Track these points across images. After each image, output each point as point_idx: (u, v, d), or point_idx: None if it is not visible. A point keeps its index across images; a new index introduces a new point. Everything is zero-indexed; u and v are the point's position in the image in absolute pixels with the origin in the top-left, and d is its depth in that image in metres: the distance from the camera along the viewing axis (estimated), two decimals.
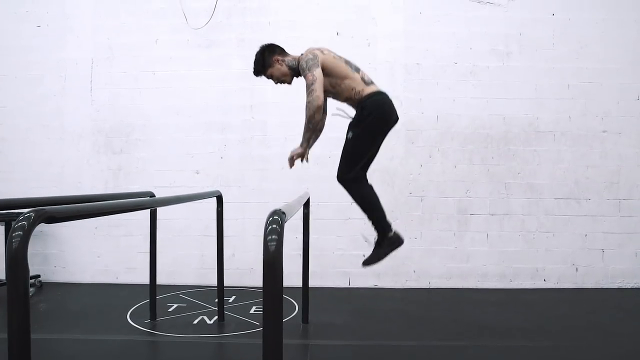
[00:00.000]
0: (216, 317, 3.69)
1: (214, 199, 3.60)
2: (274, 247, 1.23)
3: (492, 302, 4.29)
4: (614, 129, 4.82)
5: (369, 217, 2.78)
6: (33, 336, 1.20)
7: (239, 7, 4.92)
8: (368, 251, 4.86)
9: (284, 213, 1.33)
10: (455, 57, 4.85)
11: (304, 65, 2.71)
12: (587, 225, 4.81)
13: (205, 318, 3.75)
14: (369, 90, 2.80)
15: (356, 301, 4.34)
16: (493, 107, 4.83)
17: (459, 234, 4.84)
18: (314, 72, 2.65)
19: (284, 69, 2.90)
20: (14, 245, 1.15)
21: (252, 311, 3.96)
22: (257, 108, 4.92)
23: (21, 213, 1.23)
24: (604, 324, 3.64)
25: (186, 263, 4.91)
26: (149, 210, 3.62)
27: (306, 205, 3.63)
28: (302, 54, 2.89)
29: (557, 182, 4.82)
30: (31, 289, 4.47)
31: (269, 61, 2.90)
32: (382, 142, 2.92)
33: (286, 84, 3.01)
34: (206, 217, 4.77)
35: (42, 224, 1.27)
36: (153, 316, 3.67)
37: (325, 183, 4.84)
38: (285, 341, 1.25)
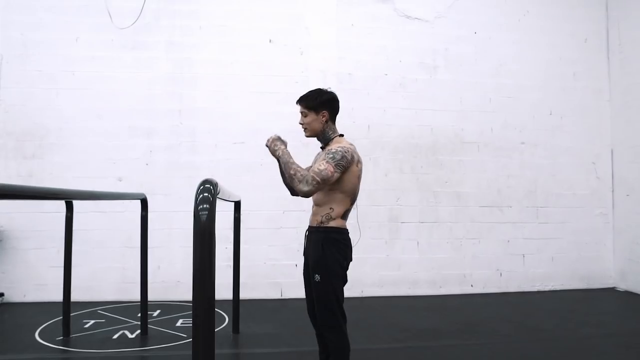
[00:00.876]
0: (139, 331, 3.42)
1: (138, 208, 3.37)
2: (205, 216, 1.12)
3: (422, 307, 4.34)
4: (530, 141, 5.15)
5: None
6: None
7: (169, 9, 4.74)
8: (300, 261, 4.81)
9: (216, 183, 1.23)
10: (386, 69, 4.98)
11: (334, 156, 2.21)
12: (509, 231, 5.05)
13: (127, 332, 3.46)
14: (340, 224, 2.31)
15: (288, 312, 4.21)
16: (421, 118, 4.98)
17: (390, 242, 4.89)
18: (334, 173, 2.17)
19: (318, 126, 2.33)
20: None
21: (178, 324, 3.71)
22: (186, 113, 4.73)
23: None
24: (525, 323, 3.79)
25: (106, 277, 4.54)
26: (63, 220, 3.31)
27: (237, 209, 3.51)
28: (344, 139, 2.39)
29: (481, 190, 5.04)
30: None
31: (320, 108, 2.33)
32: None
33: (304, 132, 2.40)
34: (128, 227, 4.44)
35: None
36: (66, 333, 3.33)
37: (256, 192, 4.74)
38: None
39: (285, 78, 4.84)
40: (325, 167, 2.17)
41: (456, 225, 4.98)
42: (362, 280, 4.82)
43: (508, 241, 5.04)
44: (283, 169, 2.26)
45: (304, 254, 2.40)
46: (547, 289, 5.07)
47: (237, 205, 3.50)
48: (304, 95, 2.37)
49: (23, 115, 4.56)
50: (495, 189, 5.05)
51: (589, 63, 5.31)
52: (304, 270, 2.43)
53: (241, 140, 4.75)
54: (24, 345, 3.18)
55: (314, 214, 2.34)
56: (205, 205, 1.14)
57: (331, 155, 2.20)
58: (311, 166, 2.36)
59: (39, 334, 3.40)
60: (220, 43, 4.78)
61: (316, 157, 2.44)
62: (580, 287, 5.12)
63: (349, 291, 4.92)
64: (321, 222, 2.28)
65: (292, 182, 2.19)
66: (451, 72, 5.05)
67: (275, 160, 2.33)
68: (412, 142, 4.97)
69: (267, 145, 2.32)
